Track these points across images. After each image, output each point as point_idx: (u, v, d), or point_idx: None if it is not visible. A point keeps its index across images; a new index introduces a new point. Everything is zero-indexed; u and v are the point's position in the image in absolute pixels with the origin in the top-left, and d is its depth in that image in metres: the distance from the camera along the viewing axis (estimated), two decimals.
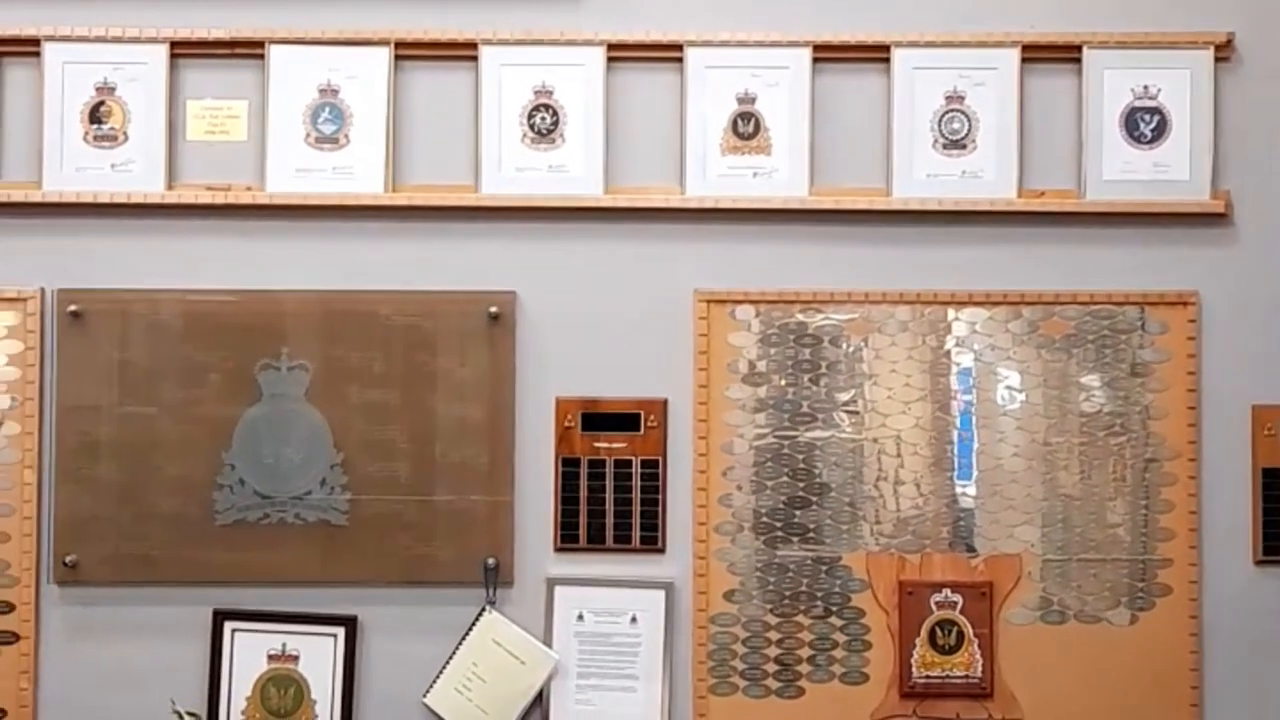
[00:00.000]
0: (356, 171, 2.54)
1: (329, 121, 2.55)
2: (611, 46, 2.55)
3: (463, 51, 2.55)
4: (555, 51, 2.55)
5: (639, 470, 2.56)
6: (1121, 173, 2.55)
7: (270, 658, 2.54)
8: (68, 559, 2.52)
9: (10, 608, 2.52)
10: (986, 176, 2.55)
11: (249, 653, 2.54)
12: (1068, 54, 2.56)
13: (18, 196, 2.53)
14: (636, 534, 2.56)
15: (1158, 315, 2.56)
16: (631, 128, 2.57)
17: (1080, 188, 2.56)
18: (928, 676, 2.53)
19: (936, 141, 2.55)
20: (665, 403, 2.56)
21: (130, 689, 2.53)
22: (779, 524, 2.55)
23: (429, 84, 2.57)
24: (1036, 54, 2.56)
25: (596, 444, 2.56)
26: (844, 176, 2.57)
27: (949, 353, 2.57)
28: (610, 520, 2.56)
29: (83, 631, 2.54)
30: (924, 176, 2.55)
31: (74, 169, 2.53)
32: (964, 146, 2.55)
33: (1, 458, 2.52)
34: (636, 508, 2.56)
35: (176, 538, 2.53)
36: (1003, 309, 2.56)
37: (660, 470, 2.55)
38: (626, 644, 2.54)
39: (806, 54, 2.54)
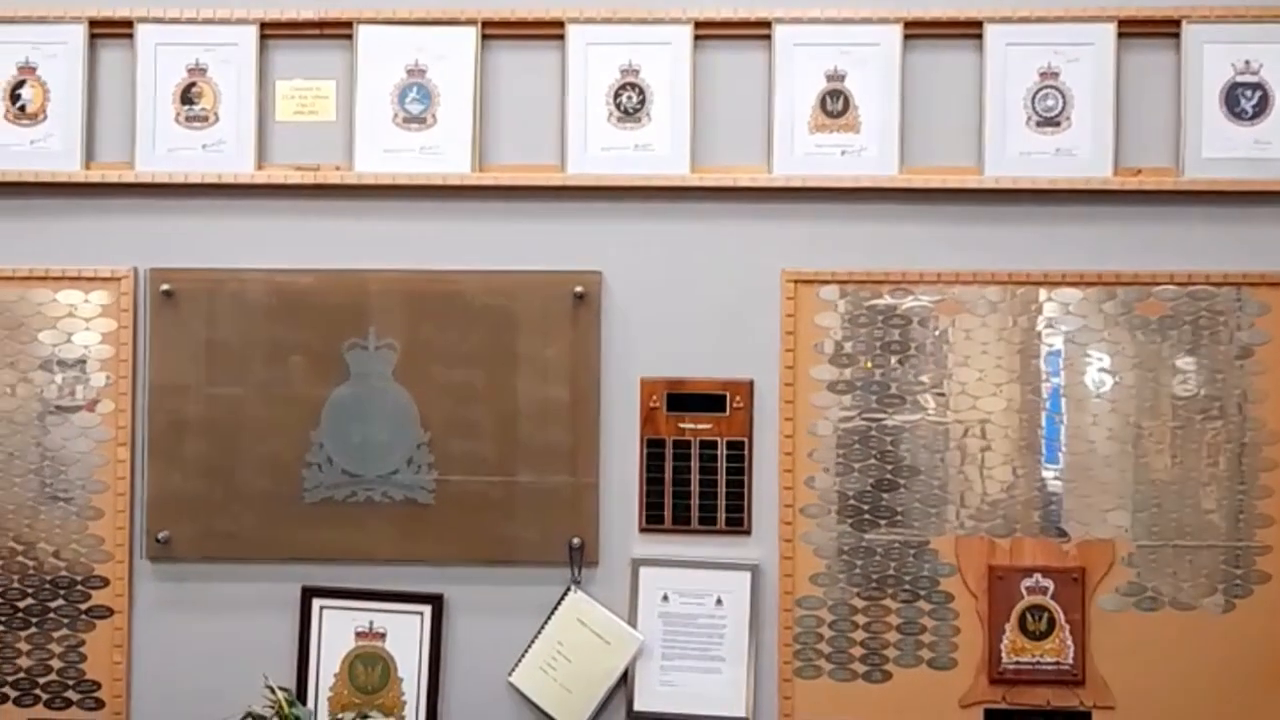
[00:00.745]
0: (444, 151, 2.58)
1: (416, 101, 2.59)
2: (699, 25, 2.56)
3: (549, 30, 2.58)
4: (642, 30, 2.57)
5: (724, 451, 2.58)
6: (1221, 150, 2.53)
7: (358, 635, 2.60)
8: (160, 535, 2.59)
9: (105, 583, 2.60)
10: (1081, 155, 2.53)
11: (337, 630, 2.60)
12: (1166, 28, 2.54)
13: (111, 177, 2.60)
14: (722, 515, 2.58)
15: (1258, 296, 2.53)
16: (718, 106, 2.59)
17: (1179, 166, 2.54)
18: (1018, 662, 2.53)
19: (1030, 119, 2.54)
20: (751, 384, 2.58)
21: (221, 664, 2.60)
22: (866, 507, 2.56)
23: (516, 63, 2.60)
24: (1134, 28, 2.54)
25: (682, 425, 2.58)
26: (935, 155, 2.57)
27: (1040, 334, 2.57)
28: (695, 501, 2.58)
29: (175, 606, 2.62)
30: (1017, 155, 2.54)
31: (166, 150, 2.60)
32: (1058, 124, 2.54)
33: (95, 435, 2.59)
34: (722, 489, 2.58)
35: (266, 515, 2.59)
36: (1097, 289, 2.55)
37: (746, 452, 2.57)
38: (711, 625, 2.57)
39: (897, 30, 2.54)
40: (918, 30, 2.55)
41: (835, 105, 2.56)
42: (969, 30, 2.55)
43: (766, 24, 2.55)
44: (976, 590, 2.54)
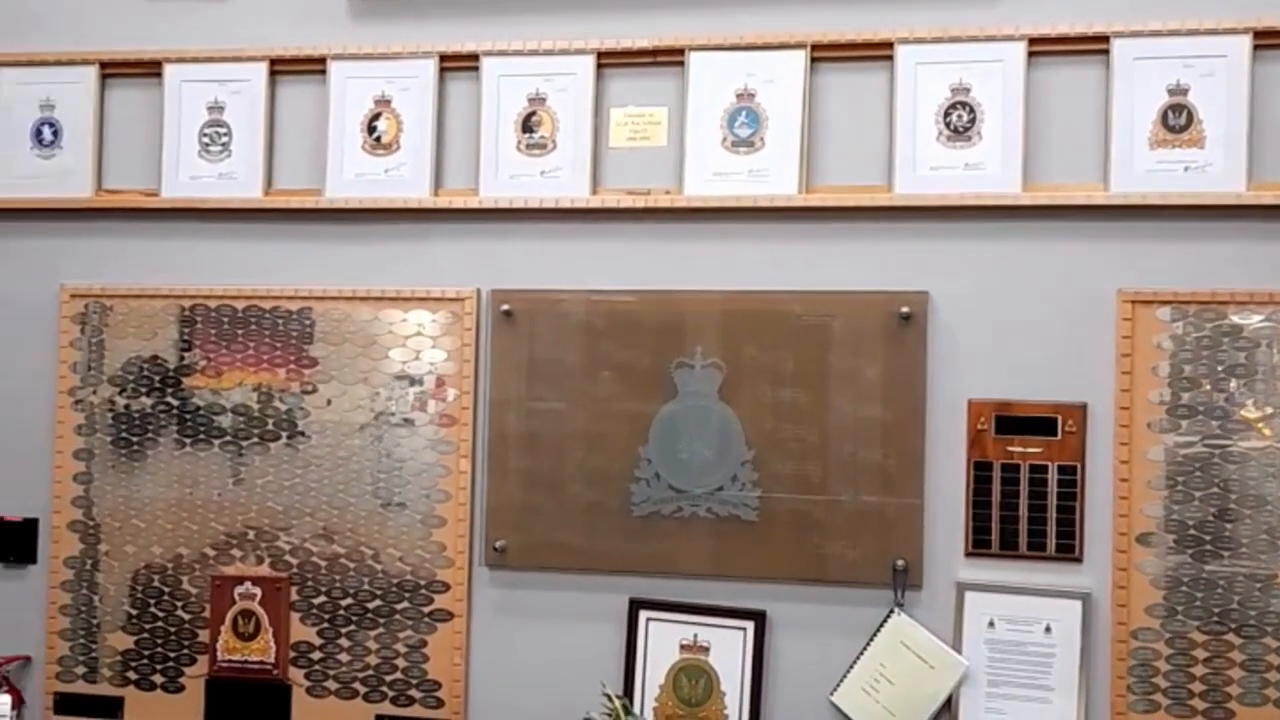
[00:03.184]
0: (771, 174, 2.76)
1: (745, 125, 2.78)
2: (1032, 41, 2.66)
3: (878, 51, 2.73)
4: (973, 48, 2.69)
5: (1055, 476, 2.66)
6: None
7: (682, 647, 2.80)
8: (497, 544, 2.86)
9: (446, 588, 2.89)
10: None
11: (662, 641, 2.81)
12: None
13: (457, 203, 2.90)
14: (1052, 541, 2.66)
15: None
16: (1051, 123, 2.68)
17: None
18: None
19: None
20: (1084, 407, 2.65)
21: (552, 669, 2.86)
22: (1207, 537, 2.59)
23: (843, 85, 2.76)
24: None
25: (1010, 448, 2.68)
26: None
27: None
28: (1024, 526, 2.67)
29: (510, 613, 2.89)
30: None
31: (508, 176, 2.87)
32: None
33: (440, 448, 2.89)
34: (1052, 514, 2.66)
35: (596, 527, 2.83)
36: None
37: (1078, 477, 2.65)
38: (1040, 654, 2.65)
39: (1245, 41, 2.58)
40: (1268, 40, 2.58)
41: (1177, 120, 2.61)
42: None
43: (1104, 38, 2.63)
44: None
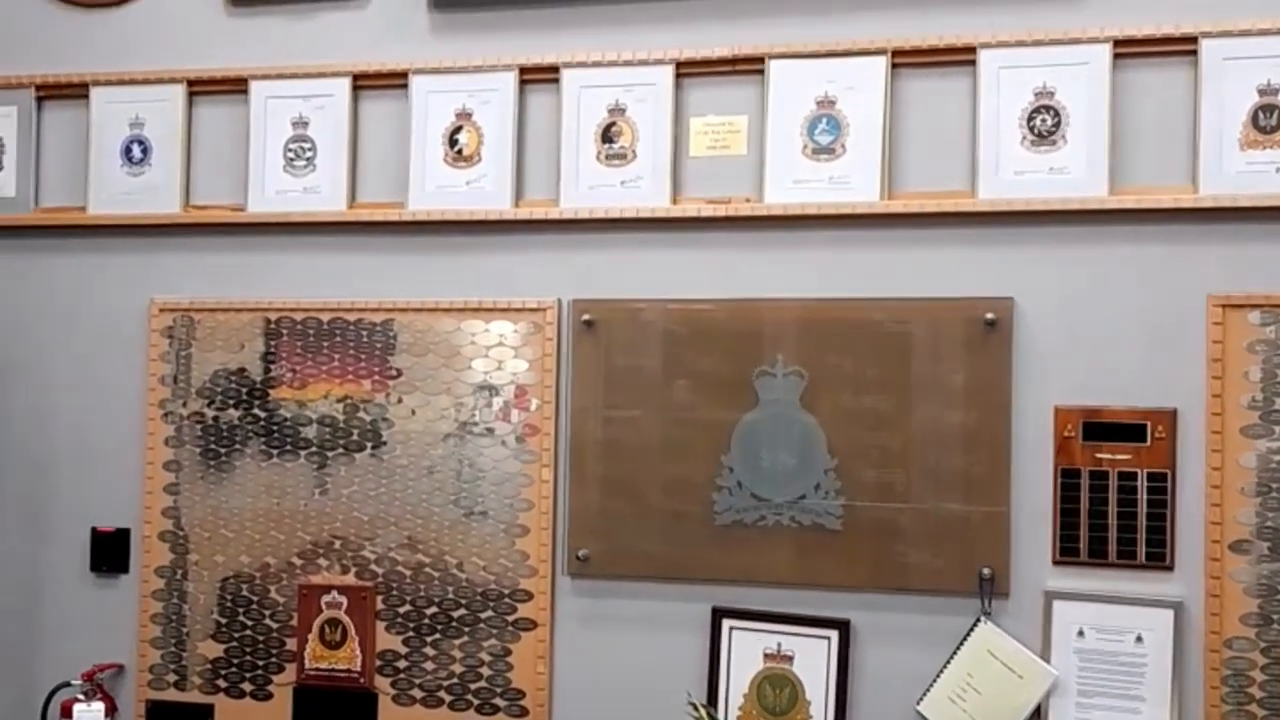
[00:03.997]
0: (852, 181, 2.76)
1: (826, 132, 2.77)
2: (1118, 43, 2.64)
3: (960, 56, 2.72)
4: (1058, 51, 2.66)
5: (1144, 483, 2.62)
6: None
7: (766, 656, 2.79)
8: (580, 553, 2.87)
9: (529, 596, 2.91)
10: None
11: (746, 651, 2.80)
12: None
13: (539, 214, 2.92)
14: (1142, 550, 2.62)
15: None
16: (1138, 126, 2.65)
17: None
18: None
19: None
20: (1174, 413, 2.61)
21: (635, 678, 2.86)
22: None
23: (925, 90, 2.75)
24: None
25: (1098, 455, 2.65)
26: None
27: None
28: (1113, 534, 2.64)
29: (593, 621, 2.90)
30: None
31: (588, 187, 2.89)
32: None
33: (523, 457, 2.91)
34: (1142, 522, 2.62)
35: (678, 536, 2.84)
36: None
37: (1169, 484, 2.61)
38: (1131, 664, 2.62)
39: None
40: None
41: (1269, 120, 2.57)
42: None
43: (1192, 39, 2.60)
44: None
